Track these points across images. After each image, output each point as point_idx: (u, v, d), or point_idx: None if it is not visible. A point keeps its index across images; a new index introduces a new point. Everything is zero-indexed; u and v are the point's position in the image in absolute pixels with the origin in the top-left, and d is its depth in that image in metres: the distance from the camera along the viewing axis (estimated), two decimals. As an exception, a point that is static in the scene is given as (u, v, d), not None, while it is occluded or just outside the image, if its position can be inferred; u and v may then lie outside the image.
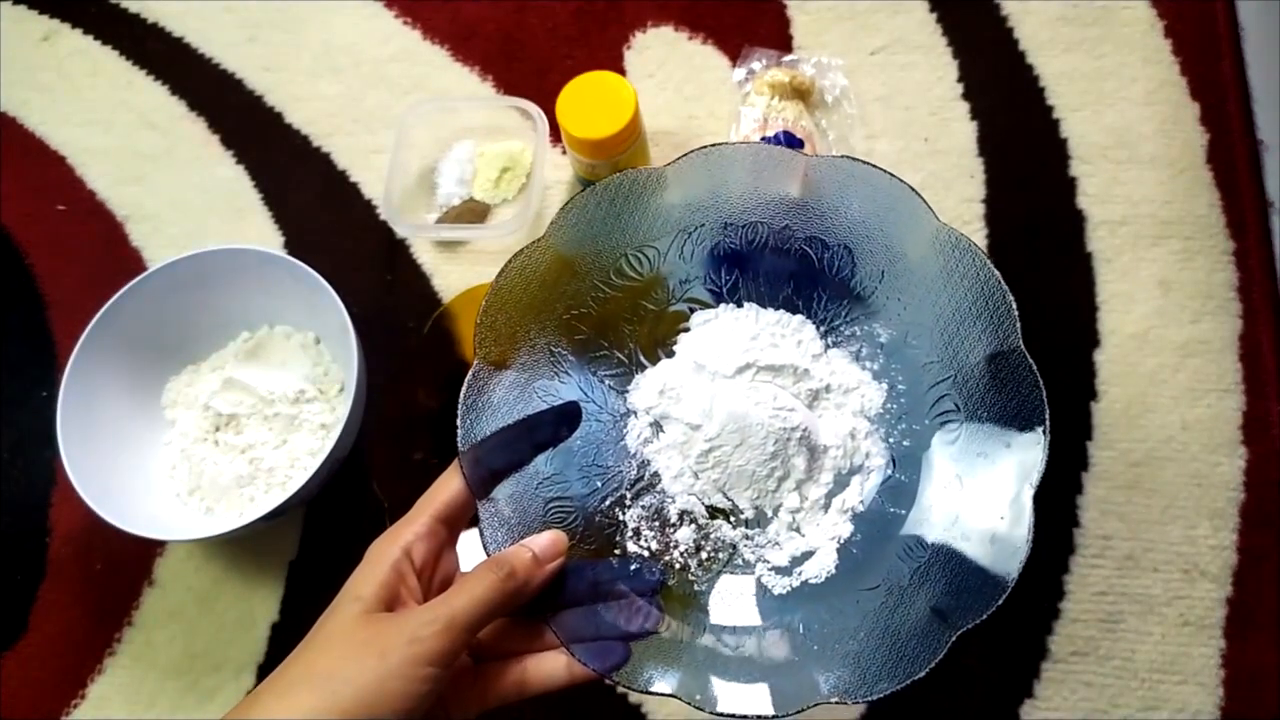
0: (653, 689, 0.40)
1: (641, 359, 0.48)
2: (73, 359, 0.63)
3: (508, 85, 0.78)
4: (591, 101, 0.66)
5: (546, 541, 0.40)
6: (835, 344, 0.48)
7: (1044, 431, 0.41)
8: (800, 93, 0.71)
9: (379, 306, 0.71)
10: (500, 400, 0.44)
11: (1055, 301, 0.66)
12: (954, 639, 0.39)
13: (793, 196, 0.47)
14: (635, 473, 0.46)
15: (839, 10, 0.77)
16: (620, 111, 0.65)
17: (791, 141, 0.68)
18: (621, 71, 0.77)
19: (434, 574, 0.41)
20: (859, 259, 0.47)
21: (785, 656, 0.42)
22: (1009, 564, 0.40)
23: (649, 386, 0.47)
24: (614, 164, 0.68)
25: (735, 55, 0.75)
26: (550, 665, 0.40)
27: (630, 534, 0.45)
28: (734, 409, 0.44)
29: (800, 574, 0.45)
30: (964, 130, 0.72)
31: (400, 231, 0.74)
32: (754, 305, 0.48)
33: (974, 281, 0.44)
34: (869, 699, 0.39)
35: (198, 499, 0.65)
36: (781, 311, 0.48)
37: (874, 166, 0.45)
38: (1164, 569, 0.60)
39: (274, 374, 0.67)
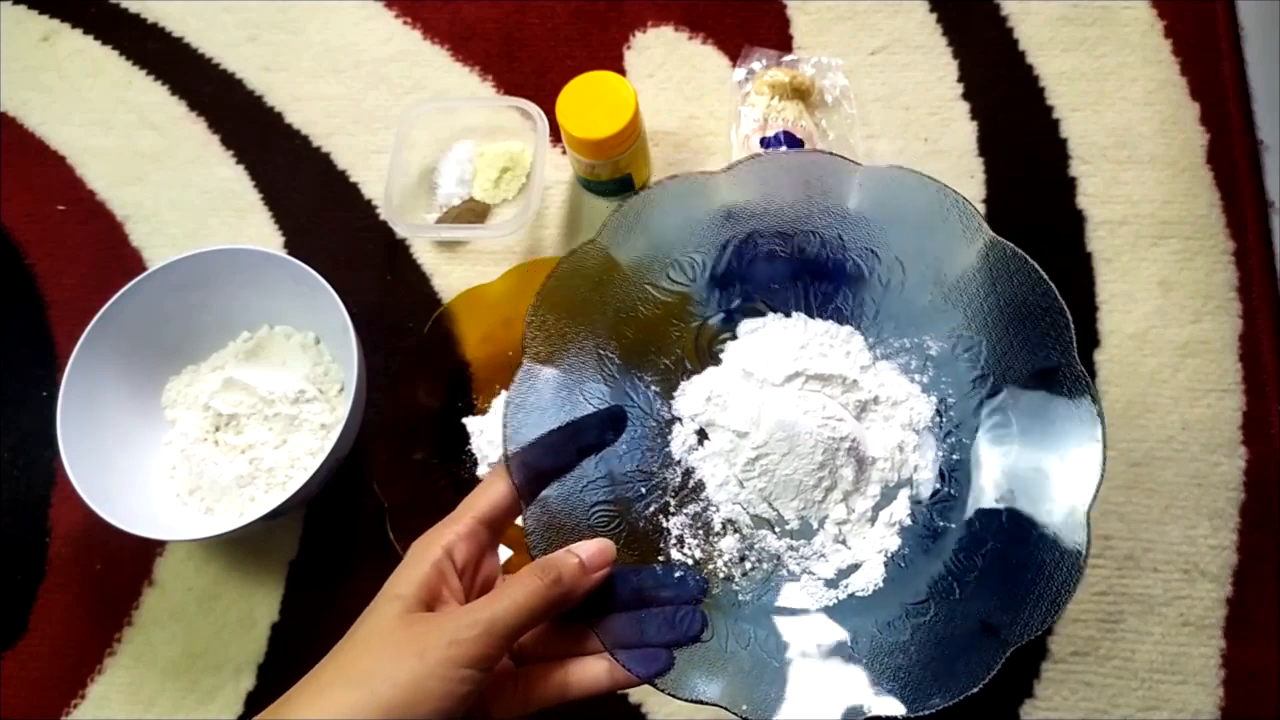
0: (696, 697, 0.39)
1: (688, 365, 0.47)
2: (73, 359, 0.63)
3: (508, 85, 0.78)
4: (591, 101, 0.66)
5: (594, 549, 0.39)
6: (884, 356, 0.47)
7: (1100, 446, 0.40)
8: (800, 93, 0.71)
9: (379, 306, 0.71)
10: (547, 401, 0.43)
11: (1055, 301, 0.66)
12: (1008, 654, 0.39)
13: (846, 207, 0.46)
14: (680, 480, 0.45)
15: (839, 10, 0.77)
16: (620, 111, 0.65)
17: (791, 142, 0.68)
18: (621, 71, 0.77)
19: (476, 575, 0.40)
20: (910, 271, 0.46)
21: (830, 675, 0.41)
22: (1063, 580, 0.39)
23: (695, 393, 0.46)
24: (614, 164, 0.68)
25: (735, 55, 0.75)
26: (593, 670, 0.39)
27: (674, 541, 0.44)
28: (782, 416, 0.43)
29: (847, 587, 0.43)
30: (964, 130, 0.72)
31: (400, 231, 0.74)
32: (802, 315, 0.47)
33: (1028, 294, 0.43)
34: (920, 714, 0.39)
35: (198, 499, 0.65)
36: (830, 322, 0.47)
37: (927, 177, 0.44)
38: (1164, 569, 0.60)
39: (274, 374, 0.67)
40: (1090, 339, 0.65)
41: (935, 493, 0.45)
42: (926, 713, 0.39)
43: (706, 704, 0.39)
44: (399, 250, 0.74)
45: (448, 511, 0.63)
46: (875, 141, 0.72)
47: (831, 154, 0.46)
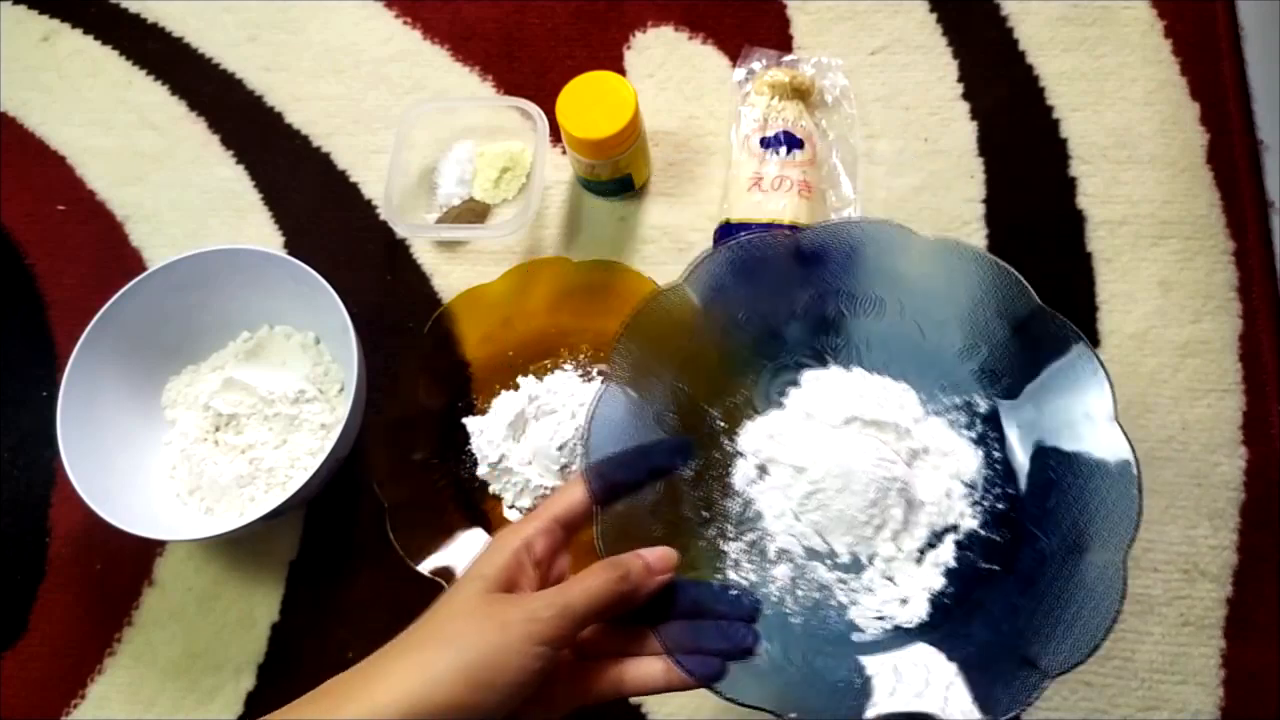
0: (746, 702, 0.41)
1: (754, 406, 0.50)
2: (73, 359, 0.63)
3: (508, 85, 0.78)
4: (591, 101, 0.66)
5: (659, 554, 0.43)
6: (935, 412, 0.50)
7: (1136, 517, 0.43)
8: (800, 93, 0.71)
9: (379, 306, 0.71)
10: (624, 421, 0.47)
11: (1055, 301, 0.65)
12: (1046, 685, 0.41)
13: (906, 274, 0.50)
14: (739, 509, 0.48)
15: (839, 10, 0.77)
16: (620, 111, 0.65)
17: (791, 141, 0.68)
18: (621, 71, 0.77)
19: (549, 570, 0.43)
20: (963, 335, 0.50)
21: (880, 691, 0.43)
22: (1099, 624, 0.42)
23: (758, 431, 0.49)
24: (614, 164, 0.68)
25: (735, 55, 0.75)
26: (649, 669, 0.42)
27: (731, 563, 0.47)
28: (839, 454, 0.46)
29: (893, 619, 0.46)
30: (964, 130, 0.72)
31: (400, 231, 0.74)
32: (860, 369, 0.51)
33: (1075, 358, 0.47)
34: None
35: (198, 499, 0.65)
36: (886, 378, 0.50)
37: (983, 253, 0.49)
38: (1164, 569, 0.60)
39: (274, 374, 0.67)
40: (1090, 339, 0.65)
41: (980, 538, 0.48)
42: None
43: (754, 708, 0.42)
44: (399, 250, 0.74)
45: (447, 511, 0.64)
46: (875, 141, 0.72)
47: (898, 225, 0.50)
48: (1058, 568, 0.44)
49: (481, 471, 0.64)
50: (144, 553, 0.67)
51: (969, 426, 0.50)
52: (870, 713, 0.42)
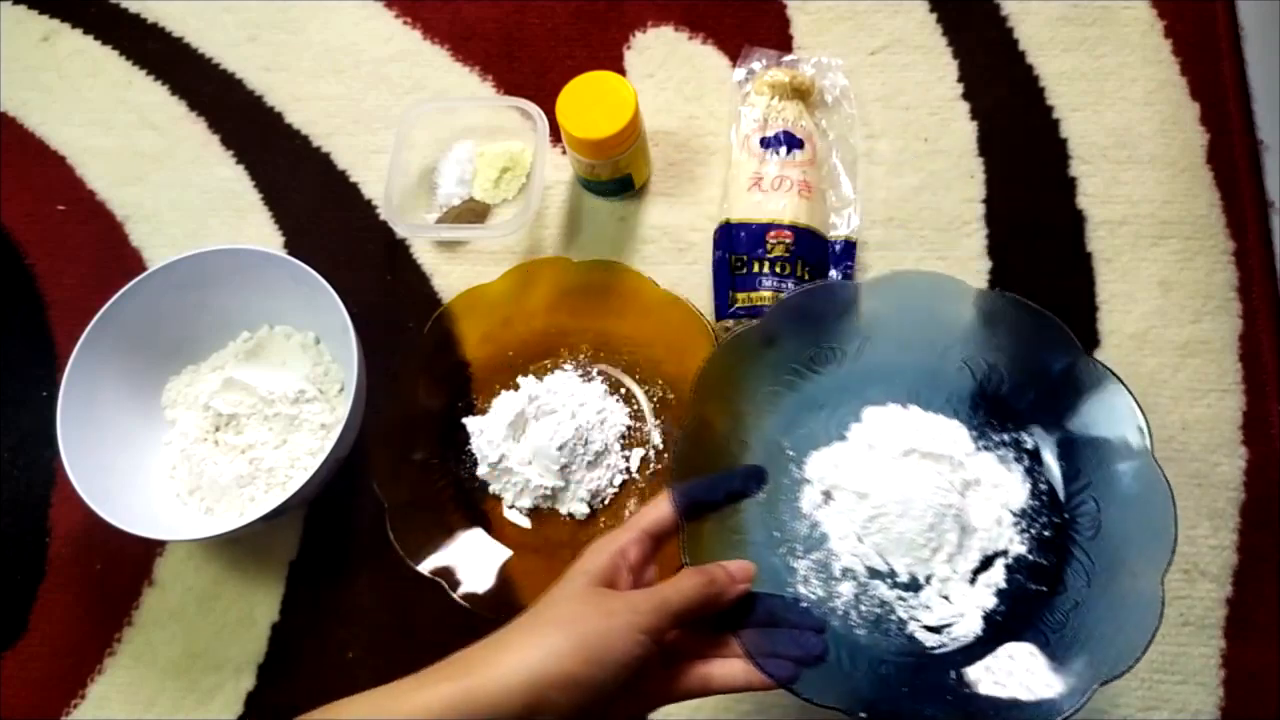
0: (821, 702, 0.46)
1: (820, 438, 0.55)
2: (73, 359, 0.63)
3: (508, 85, 0.78)
4: (591, 101, 0.66)
5: (739, 565, 0.48)
6: (985, 447, 0.55)
7: (1173, 542, 0.47)
8: (800, 93, 0.71)
9: (379, 306, 0.71)
10: (703, 445, 0.53)
11: (1055, 301, 0.65)
12: (1093, 691, 0.45)
13: (962, 322, 0.55)
14: (807, 530, 0.53)
15: (839, 10, 0.77)
16: (620, 111, 0.65)
17: (791, 141, 0.68)
18: (621, 71, 0.77)
19: (640, 576, 0.48)
20: (1011, 378, 0.55)
21: (941, 693, 0.48)
22: (1140, 638, 0.46)
23: (824, 461, 0.54)
24: (614, 164, 0.68)
25: (735, 55, 0.75)
26: (731, 669, 0.46)
27: (801, 579, 0.52)
28: (900, 483, 0.51)
29: (949, 633, 0.50)
30: (964, 130, 0.72)
31: (400, 231, 0.74)
32: (916, 406, 0.55)
33: (1114, 398, 0.51)
34: None
35: (198, 499, 0.65)
36: (940, 415, 0.55)
37: (1031, 305, 0.53)
38: (1164, 569, 0.60)
39: (274, 374, 0.67)
40: (1090, 339, 0.65)
41: (1029, 562, 0.52)
42: None
43: (827, 707, 0.46)
44: (399, 250, 0.74)
45: (447, 511, 0.64)
46: (875, 141, 0.72)
47: (952, 278, 0.55)
48: (1101, 589, 0.49)
49: (481, 471, 0.64)
50: (144, 553, 0.67)
51: (1017, 460, 0.54)
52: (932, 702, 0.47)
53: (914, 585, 0.52)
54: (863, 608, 0.51)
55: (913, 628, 0.51)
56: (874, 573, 0.52)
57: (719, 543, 0.51)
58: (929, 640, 0.50)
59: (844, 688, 0.47)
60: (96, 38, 0.84)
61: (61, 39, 0.84)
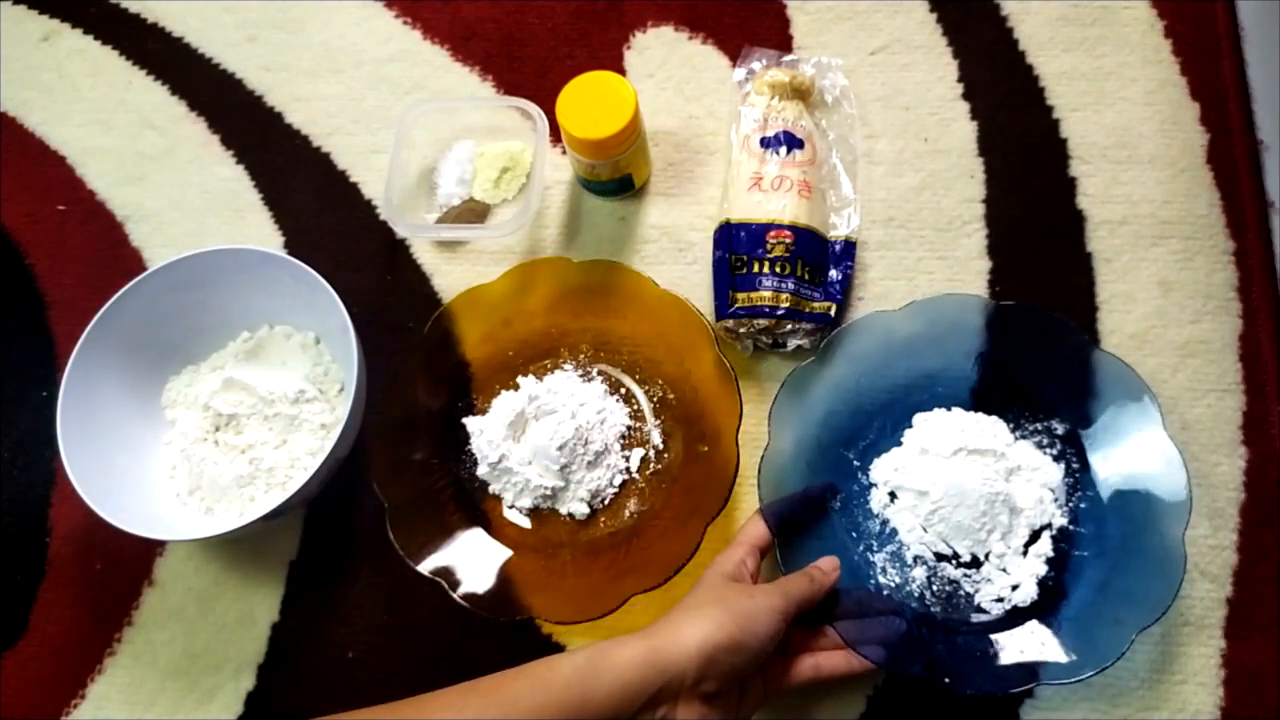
0: (909, 673, 0.55)
1: (880, 446, 0.63)
2: (73, 359, 0.63)
3: (508, 85, 0.78)
4: (591, 101, 0.66)
5: (828, 560, 0.57)
6: (1021, 436, 0.63)
7: (1188, 504, 0.57)
8: (800, 93, 0.71)
9: (379, 306, 0.71)
10: (787, 466, 0.61)
11: (1055, 301, 0.66)
12: (1135, 636, 0.54)
13: (983, 330, 0.64)
14: (878, 528, 0.62)
15: (839, 10, 0.77)
16: (620, 111, 0.65)
17: (791, 141, 0.68)
18: (621, 71, 0.77)
19: (755, 581, 0.56)
20: (1041, 377, 0.63)
21: (1009, 657, 0.57)
22: (1168, 588, 0.55)
23: (885, 465, 0.63)
24: (614, 164, 0.68)
25: (735, 55, 0.75)
26: (836, 658, 0.56)
27: (879, 570, 0.61)
28: (953, 478, 0.59)
29: (1010, 600, 0.59)
30: (964, 130, 0.72)
31: (400, 231, 0.74)
32: (960, 409, 0.63)
33: (1129, 387, 0.60)
34: (1069, 680, 0.55)
35: (198, 499, 0.65)
36: (980, 414, 0.62)
37: (1053, 314, 0.62)
38: (1164, 569, 0.60)
39: (274, 374, 0.67)
40: (1090, 339, 0.65)
41: (1070, 532, 0.60)
42: (1077, 679, 0.54)
43: (916, 677, 0.55)
44: (399, 250, 0.74)
45: (447, 511, 0.64)
46: (875, 141, 0.73)
47: (979, 297, 0.65)
48: (1132, 549, 0.58)
49: (481, 471, 0.64)
50: (144, 553, 0.67)
51: (1050, 445, 0.62)
52: (1004, 660, 0.56)
53: (975, 563, 0.60)
54: (934, 588, 0.60)
55: (979, 599, 0.59)
56: (940, 556, 0.60)
57: (807, 549, 0.59)
58: (994, 609, 0.59)
59: (927, 659, 0.56)
60: (96, 38, 0.84)
61: (61, 39, 0.84)
